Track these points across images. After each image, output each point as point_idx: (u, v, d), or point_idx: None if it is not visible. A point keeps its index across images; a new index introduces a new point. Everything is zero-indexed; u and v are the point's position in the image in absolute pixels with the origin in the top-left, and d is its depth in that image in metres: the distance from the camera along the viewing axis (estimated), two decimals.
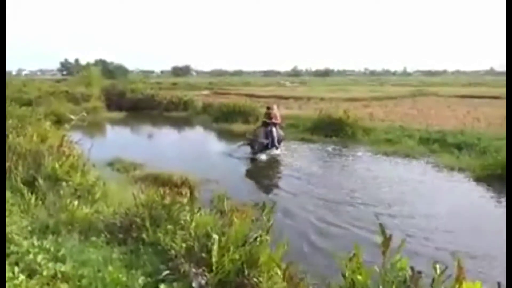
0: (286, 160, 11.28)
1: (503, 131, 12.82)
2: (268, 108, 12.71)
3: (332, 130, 14.35)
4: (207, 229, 3.20)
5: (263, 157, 11.45)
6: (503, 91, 33.08)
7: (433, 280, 2.09)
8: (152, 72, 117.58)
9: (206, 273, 2.94)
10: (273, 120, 12.13)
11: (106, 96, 24.84)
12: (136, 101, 24.68)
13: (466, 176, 9.20)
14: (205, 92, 36.89)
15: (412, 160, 10.94)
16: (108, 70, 59.28)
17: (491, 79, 71.05)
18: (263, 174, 9.98)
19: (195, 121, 20.39)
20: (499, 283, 1.93)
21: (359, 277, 2.20)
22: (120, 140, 15.42)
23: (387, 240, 2.21)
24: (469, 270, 2.20)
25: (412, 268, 2.22)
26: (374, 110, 19.95)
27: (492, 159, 9.21)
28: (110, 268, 2.86)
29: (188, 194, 4.13)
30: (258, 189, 8.78)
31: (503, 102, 23.45)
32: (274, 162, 11.16)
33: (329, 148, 12.75)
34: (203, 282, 2.91)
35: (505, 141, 10.75)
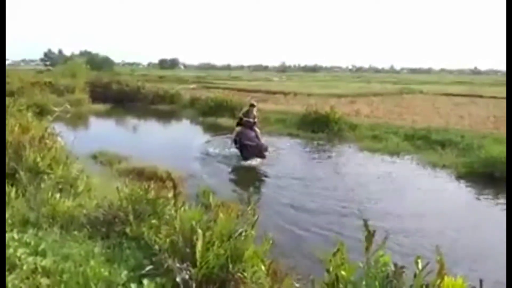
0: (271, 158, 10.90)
1: (486, 129, 13.11)
2: (252, 105, 11.13)
3: (319, 126, 14.41)
4: (192, 224, 3.16)
5: (254, 162, 10.25)
6: (486, 90, 33.89)
7: (415, 275, 2.11)
8: (138, 64, 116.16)
9: (190, 268, 2.92)
10: (256, 120, 10.86)
11: (91, 88, 24.38)
12: (122, 94, 24.30)
13: (449, 174, 9.36)
14: (193, 85, 36.57)
15: (397, 157, 11.07)
16: (94, 61, 58.24)
17: (476, 78, 72.22)
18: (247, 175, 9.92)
19: (181, 114, 20.23)
20: (481, 281, 1.96)
21: (343, 272, 2.21)
22: (105, 133, 15.21)
23: (370, 235, 2.23)
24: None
25: (395, 264, 2.24)
26: (361, 107, 20.09)
27: (475, 157, 9.39)
28: (92, 262, 2.82)
29: (173, 189, 4.09)
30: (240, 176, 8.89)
31: (487, 101, 24.03)
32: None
33: (315, 143, 12.83)
34: (187, 277, 2.89)
35: (488, 140, 11.02)
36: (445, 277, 2.07)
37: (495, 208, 7.29)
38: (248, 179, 9.08)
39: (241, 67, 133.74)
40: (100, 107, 22.10)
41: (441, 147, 11.35)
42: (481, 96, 27.64)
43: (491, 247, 5.28)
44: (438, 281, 2.09)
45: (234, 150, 10.81)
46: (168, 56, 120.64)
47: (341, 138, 13.65)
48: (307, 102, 17.05)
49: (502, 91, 27.06)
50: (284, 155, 11.27)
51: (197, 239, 2.97)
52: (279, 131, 14.85)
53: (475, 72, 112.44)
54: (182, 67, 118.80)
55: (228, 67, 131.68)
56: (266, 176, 9.31)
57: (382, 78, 70.94)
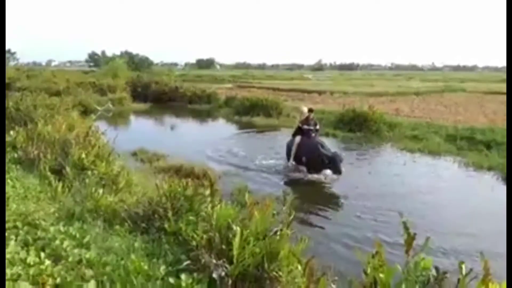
0: None
1: None
2: (311, 110, 9.61)
3: (356, 125, 14.13)
4: (228, 221, 3.20)
5: (323, 177, 8.64)
6: None
7: (458, 280, 2.02)
8: (176, 64, 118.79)
9: (227, 265, 2.96)
10: (318, 127, 9.49)
11: (131, 88, 25.29)
12: (161, 93, 25.00)
13: (495, 175, 8.89)
14: (228, 85, 36.99)
15: (439, 158, 10.64)
16: (134, 62, 60.27)
17: None
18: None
19: (217, 113, 20.51)
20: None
21: (381, 275, 2.16)
22: (144, 131, 15.70)
23: (410, 238, 2.16)
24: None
25: (436, 268, 2.16)
26: (400, 106, 19.52)
27: None
28: (132, 256, 2.91)
29: (210, 186, 4.15)
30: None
31: None
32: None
33: (353, 144, 12.54)
34: (223, 273, 2.93)
35: None
36: (490, 284, 1.97)
37: None
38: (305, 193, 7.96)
39: (277, 66, 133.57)
40: (140, 106, 22.85)
41: (487, 148, 10.78)
42: None
43: None
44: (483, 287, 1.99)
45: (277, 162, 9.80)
46: (205, 56, 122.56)
47: (380, 138, 13.29)
48: (344, 101, 16.77)
49: None
50: None
51: (233, 236, 3.00)
52: None
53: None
54: (218, 66, 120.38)
55: (263, 66, 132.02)
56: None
57: (423, 76, 68.48)
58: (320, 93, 28.03)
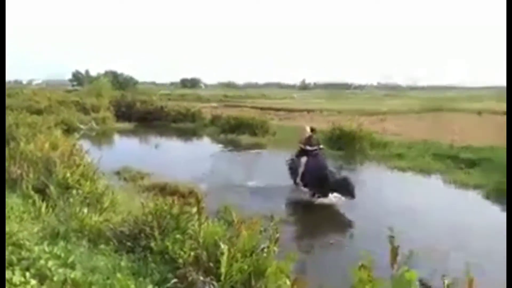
0: None
1: None
2: (313, 130, 9.35)
3: (345, 144, 14.28)
4: (215, 238, 3.22)
5: (334, 200, 8.29)
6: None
7: None
8: (161, 84, 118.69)
9: (214, 282, 2.96)
10: (321, 146, 9.23)
11: (115, 107, 25.11)
12: (145, 112, 24.91)
13: (479, 193, 9.11)
14: (214, 104, 37.14)
15: (426, 176, 10.86)
16: (118, 81, 60.08)
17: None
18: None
19: (203, 132, 20.52)
20: None
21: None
22: (128, 150, 15.55)
23: (394, 250, 2.21)
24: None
25: (421, 281, 2.22)
26: (386, 124, 19.86)
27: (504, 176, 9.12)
28: (118, 275, 2.89)
29: (196, 204, 4.16)
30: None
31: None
32: None
33: (340, 162, 12.65)
34: None
35: None
36: None
37: None
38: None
39: (264, 85, 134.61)
40: (124, 125, 22.69)
41: (471, 166, 11.03)
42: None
43: None
44: None
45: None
46: (190, 75, 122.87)
47: (367, 157, 13.48)
48: (332, 120, 16.91)
49: None
50: None
51: (221, 253, 3.01)
52: None
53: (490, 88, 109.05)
54: (203, 86, 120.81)
55: (250, 86, 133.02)
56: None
57: (412, 94, 69.99)
58: (308, 111, 28.35)
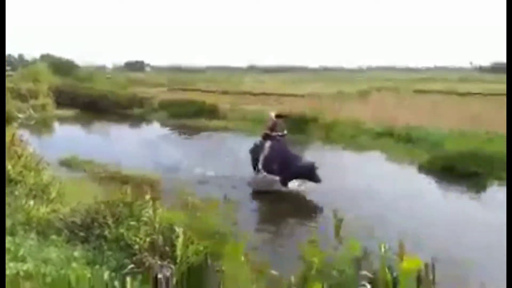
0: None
1: (454, 126, 13.70)
2: (280, 116, 9.29)
3: (292, 126, 14.59)
4: (171, 223, 3.28)
5: (298, 185, 8.23)
6: (451, 85, 34.89)
7: (381, 257, 2.33)
8: (104, 67, 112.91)
9: (171, 265, 3.03)
10: (285, 132, 8.95)
11: (55, 93, 23.62)
12: (88, 98, 23.69)
13: (415, 168, 9.87)
14: (162, 88, 36.14)
15: (367, 153, 11.51)
16: (56, 65, 56.32)
17: (440, 74, 74.06)
18: None
19: (151, 118, 20.03)
20: (432, 259, 2.20)
21: (315, 259, 2.40)
22: (72, 139, 14.84)
23: (339, 223, 2.43)
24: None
25: (363, 248, 2.46)
26: (333, 106, 20.42)
27: (441, 152, 9.99)
28: (74, 265, 2.87)
29: (150, 191, 4.17)
30: None
31: (451, 97, 24.76)
32: None
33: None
34: (168, 273, 3.00)
35: (455, 136, 11.60)
36: (404, 258, 2.30)
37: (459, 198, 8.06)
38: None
39: (214, 68, 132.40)
40: (67, 112, 21.46)
41: (410, 143, 11.91)
42: (457, 93, 27.86)
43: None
44: (399, 261, 2.32)
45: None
46: (135, 58, 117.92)
47: (315, 138, 13.94)
48: (280, 103, 17.18)
49: (477, 87, 28.13)
50: None
51: (176, 237, 3.09)
52: (255, 132, 15.07)
53: (443, 69, 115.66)
54: (149, 69, 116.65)
55: (199, 69, 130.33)
56: None
57: (353, 77, 72.07)
58: (255, 94, 28.40)
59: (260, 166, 8.50)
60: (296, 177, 8.17)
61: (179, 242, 2.98)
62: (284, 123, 9.35)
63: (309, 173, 7.95)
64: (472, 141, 10.25)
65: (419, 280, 2.21)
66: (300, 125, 14.58)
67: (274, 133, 8.67)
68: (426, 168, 9.72)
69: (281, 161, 8.25)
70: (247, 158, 9.10)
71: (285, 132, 8.91)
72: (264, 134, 8.87)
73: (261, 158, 8.48)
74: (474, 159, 8.94)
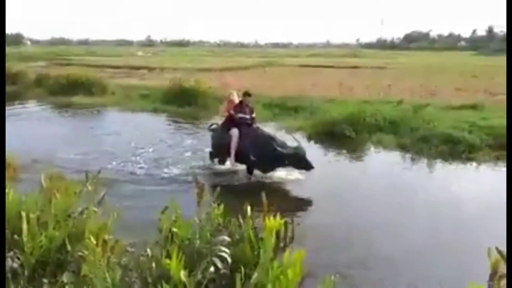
0: None
1: (331, 94, 14.89)
2: (247, 94, 7.44)
3: (185, 100, 14.24)
4: (18, 209, 2.85)
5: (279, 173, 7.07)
6: (336, 60, 38.69)
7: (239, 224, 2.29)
8: None
9: (19, 255, 2.66)
10: (253, 115, 7.42)
11: None
12: None
13: (302, 135, 10.39)
14: (41, 63, 32.25)
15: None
16: None
17: (328, 51, 79.82)
18: None
19: (27, 95, 17.72)
20: (291, 220, 2.23)
21: (176, 230, 2.27)
22: None
23: (201, 190, 2.32)
24: None
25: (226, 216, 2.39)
26: (227, 80, 20.47)
27: (320, 119, 10.73)
28: None
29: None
30: None
31: (334, 71, 27.29)
32: None
33: (180, 119, 12.62)
34: (15, 265, 2.63)
35: (333, 103, 12.59)
36: (267, 219, 2.30)
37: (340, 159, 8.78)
38: None
39: (102, 42, 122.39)
40: None
41: (295, 112, 12.50)
42: (330, 67, 31.02)
43: None
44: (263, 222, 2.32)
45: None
46: (10, 31, 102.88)
47: (208, 111, 13.74)
48: (174, 77, 16.57)
49: (350, 61, 31.26)
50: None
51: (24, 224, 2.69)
52: (143, 107, 14.35)
53: (327, 46, 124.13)
54: (28, 42, 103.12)
55: (86, 42, 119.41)
56: None
57: (248, 52, 73.29)
58: (149, 69, 27.22)
59: (232, 156, 7.14)
60: (276, 166, 6.94)
61: (24, 228, 2.59)
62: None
63: (297, 160, 6.70)
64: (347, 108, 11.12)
65: (278, 237, 2.25)
66: (192, 98, 14.32)
67: (239, 116, 7.22)
68: (308, 132, 10.49)
69: (260, 149, 6.84)
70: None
71: (254, 114, 7.41)
72: (227, 116, 7.50)
73: (232, 146, 7.06)
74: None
